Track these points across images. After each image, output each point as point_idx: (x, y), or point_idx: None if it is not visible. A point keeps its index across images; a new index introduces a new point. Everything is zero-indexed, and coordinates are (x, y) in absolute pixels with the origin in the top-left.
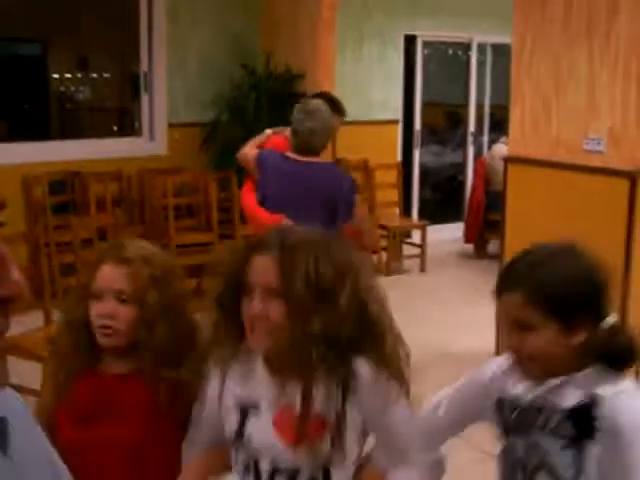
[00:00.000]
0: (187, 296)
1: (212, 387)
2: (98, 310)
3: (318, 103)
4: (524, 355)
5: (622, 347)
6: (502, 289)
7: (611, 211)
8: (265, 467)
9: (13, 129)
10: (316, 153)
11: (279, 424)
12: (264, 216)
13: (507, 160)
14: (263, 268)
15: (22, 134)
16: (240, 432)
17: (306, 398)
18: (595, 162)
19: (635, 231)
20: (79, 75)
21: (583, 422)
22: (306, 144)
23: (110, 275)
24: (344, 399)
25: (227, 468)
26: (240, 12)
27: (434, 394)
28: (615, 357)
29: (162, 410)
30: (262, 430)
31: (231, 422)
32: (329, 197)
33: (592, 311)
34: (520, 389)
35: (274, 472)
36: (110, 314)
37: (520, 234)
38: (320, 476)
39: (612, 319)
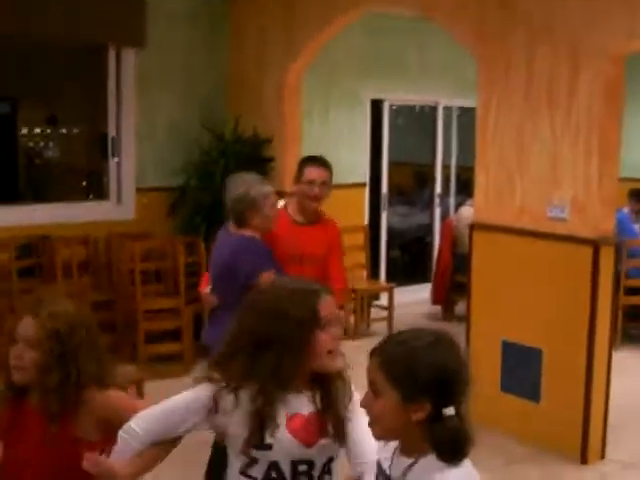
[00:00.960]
0: (94, 348)
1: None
2: (12, 351)
3: (240, 174)
4: (370, 415)
5: (446, 439)
6: (370, 354)
7: (575, 277)
8: (286, 467)
9: None
10: (237, 223)
11: (294, 430)
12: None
13: (472, 227)
14: (332, 304)
15: None
16: (260, 442)
17: (323, 405)
18: (559, 229)
19: (599, 297)
20: (48, 131)
21: None
22: (226, 214)
23: (24, 324)
24: (339, 404)
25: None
26: (208, 77)
27: None
28: (442, 447)
29: (49, 441)
30: (281, 437)
31: (243, 435)
32: (225, 272)
33: (433, 397)
34: (388, 464)
35: (295, 469)
36: (18, 355)
37: (486, 297)
38: (327, 465)
39: (449, 411)
